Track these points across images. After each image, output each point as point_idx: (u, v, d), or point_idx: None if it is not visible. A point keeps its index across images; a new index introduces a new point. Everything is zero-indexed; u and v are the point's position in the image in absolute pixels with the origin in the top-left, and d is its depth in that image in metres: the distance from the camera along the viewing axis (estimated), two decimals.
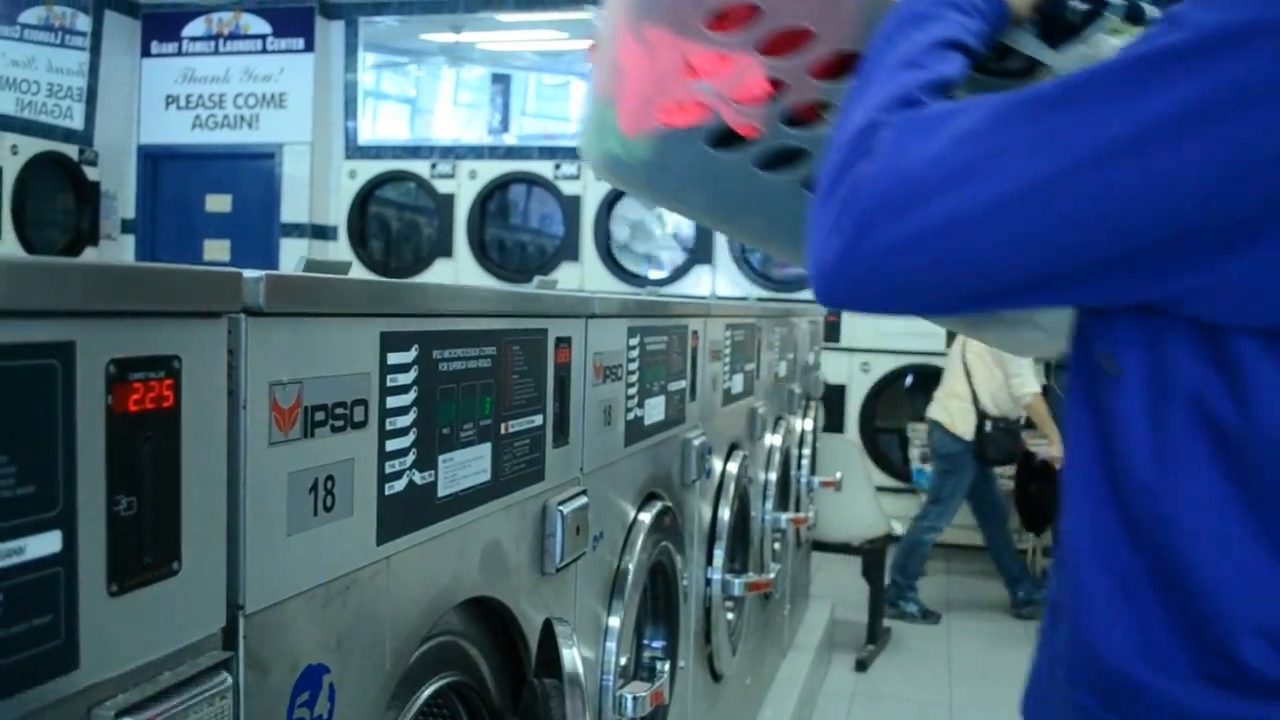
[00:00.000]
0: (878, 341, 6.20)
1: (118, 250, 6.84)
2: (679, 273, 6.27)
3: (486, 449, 1.09)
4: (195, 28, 6.98)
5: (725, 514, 2.22)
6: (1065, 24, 0.93)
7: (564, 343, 1.29)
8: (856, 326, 6.17)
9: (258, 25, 6.83)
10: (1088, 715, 0.75)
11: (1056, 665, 0.79)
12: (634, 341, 1.57)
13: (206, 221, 6.80)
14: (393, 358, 0.90)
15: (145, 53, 7.06)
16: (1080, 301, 0.76)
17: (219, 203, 6.78)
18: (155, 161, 6.95)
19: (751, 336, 2.51)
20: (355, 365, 0.85)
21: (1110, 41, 0.92)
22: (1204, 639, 0.70)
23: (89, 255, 6.51)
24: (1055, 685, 0.79)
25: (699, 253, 6.27)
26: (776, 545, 2.92)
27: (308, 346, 0.79)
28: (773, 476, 2.83)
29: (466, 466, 1.04)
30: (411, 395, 0.93)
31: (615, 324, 1.50)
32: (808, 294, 6.53)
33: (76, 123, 6.64)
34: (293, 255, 6.44)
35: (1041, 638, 0.84)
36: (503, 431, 1.12)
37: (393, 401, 0.90)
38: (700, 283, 6.27)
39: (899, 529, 4.34)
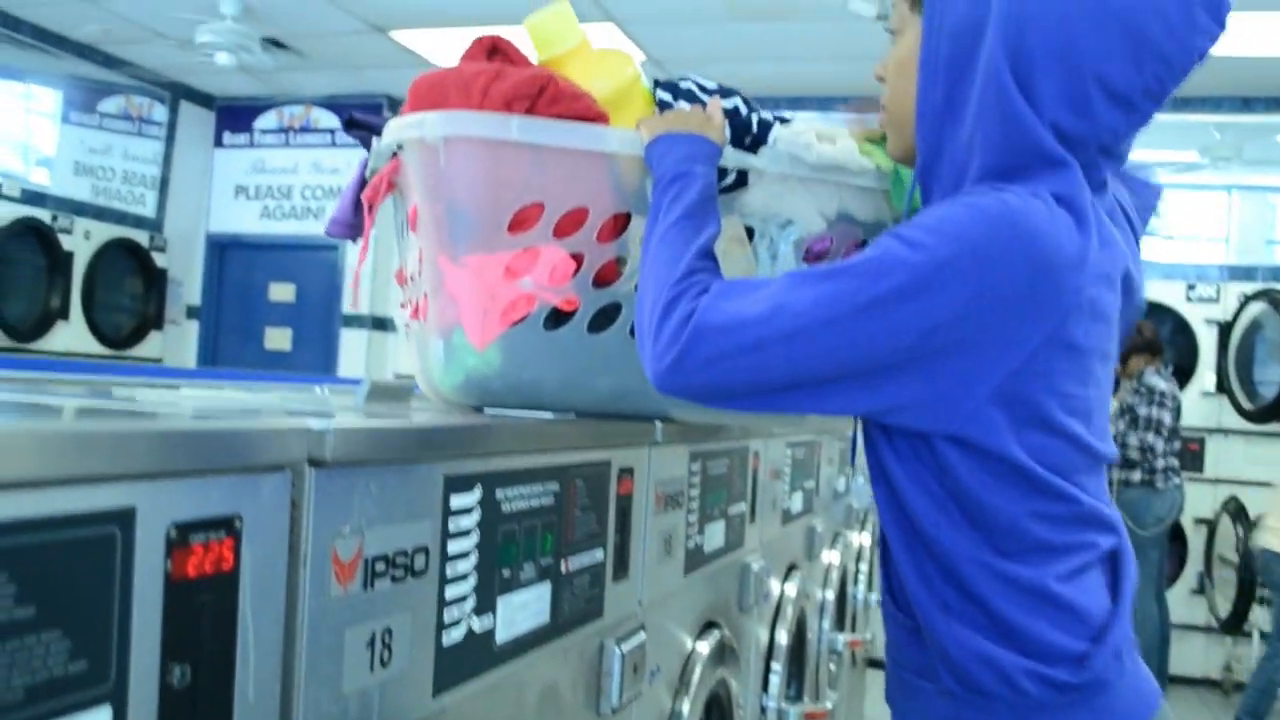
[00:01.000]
0: None
1: (181, 335, 6.94)
2: None
3: (546, 589, 1.05)
4: (267, 120, 7.15)
5: (783, 638, 2.16)
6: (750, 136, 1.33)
7: (627, 473, 1.26)
8: None
9: (327, 120, 6.98)
10: (953, 696, 1.07)
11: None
12: (695, 467, 1.54)
13: (270, 310, 6.89)
14: (455, 500, 0.87)
15: (218, 143, 7.24)
16: (827, 409, 1.03)
17: (283, 292, 6.87)
18: (222, 250, 7.08)
19: (812, 454, 2.47)
20: (418, 511, 0.82)
21: (784, 133, 1.33)
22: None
23: (153, 339, 6.61)
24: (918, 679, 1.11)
25: None
26: (833, 667, 2.83)
27: (372, 494, 0.76)
28: (830, 595, 2.75)
29: (526, 608, 1.01)
30: (473, 539, 0.90)
31: (677, 450, 1.46)
32: None
33: (148, 210, 6.79)
34: (353, 346, 6.50)
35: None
36: (563, 570, 1.09)
37: (454, 547, 0.87)
38: None
39: None
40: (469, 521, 0.90)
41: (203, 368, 6.69)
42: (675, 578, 1.48)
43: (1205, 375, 5.82)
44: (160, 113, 6.96)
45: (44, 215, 5.99)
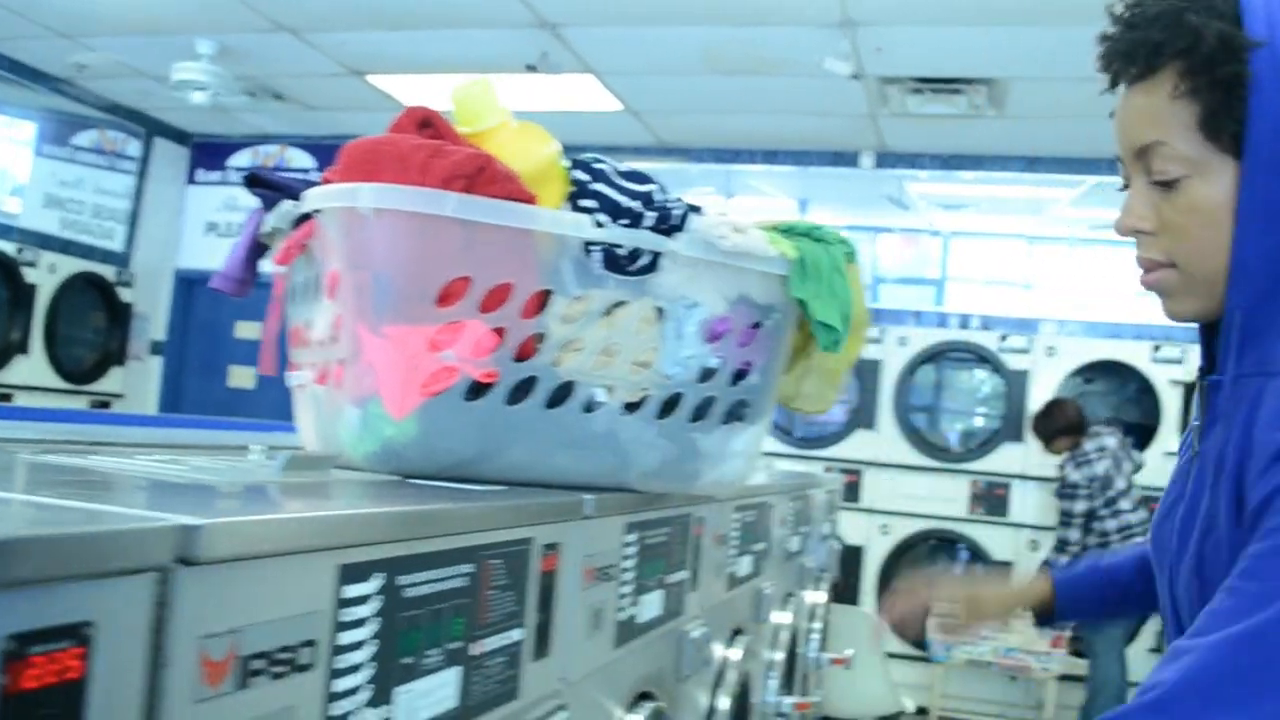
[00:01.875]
0: (897, 504, 6.10)
1: (144, 371, 6.88)
2: None
3: (454, 674, 1.02)
4: (241, 158, 7.14)
5: (723, 703, 2.13)
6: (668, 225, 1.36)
7: (551, 549, 1.24)
8: (878, 485, 6.08)
9: (301, 159, 6.98)
10: None
11: None
12: (631, 538, 1.51)
13: (235, 348, 6.85)
14: (350, 590, 0.85)
15: (191, 180, 7.22)
16: None
17: (249, 330, 6.83)
18: (190, 286, 7.04)
19: (762, 517, 2.45)
20: (305, 604, 0.80)
21: (700, 222, 1.37)
22: None
23: (115, 374, 6.55)
24: None
25: None
26: None
27: (253, 589, 0.74)
28: (779, 656, 2.73)
29: (429, 696, 0.98)
30: (370, 629, 0.87)
31: (610, 522, 1.44)
32: (832, 450, 6.46)
33: (116, 244, 6.76)
34: None
35: None
36: (474, 653, 1.06)
37: (347, 638, 0.85)
38: None
39: (910, 705, 4.18)
40: (365, 611, 0.87)
41: (164, 412, 6.63)
42: (605, 651, 1.45)
43: (1169, 437, 5.84)
44: (134, 148, 6.94)
45: (9, 248, 5.95)
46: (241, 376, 6.80)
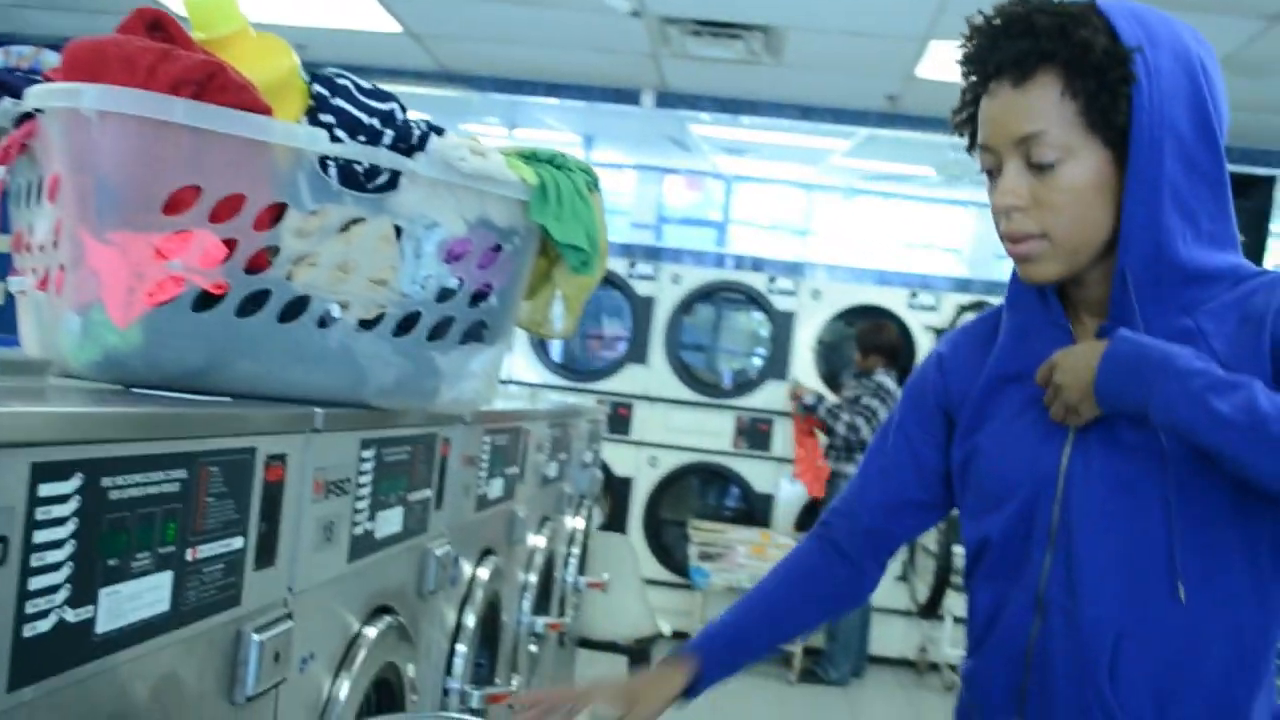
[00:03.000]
0: (666, 437, 6.27)
1: None
2: None
3: (166, 578, 1.03)
4: None
5: (470, 620, 2.18)
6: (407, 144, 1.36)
7: (276, 460, 1.25)
8: (648, 419, 6.24)
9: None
10: None
11: None
12: (368, 454, 1.54)
13: None
14: (45, 489, 0.85)
15: None
16: None
17: None
18: None
19: (516, 440, 2.50)
20: None
21: (440, 143, 1.37)
22: None
23: None
24: None
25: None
26: (534, 648, 2.89)
27: None
28: (533, 579, 2.80)
29: (138, 599, 0.99)
30: (69, 529, 0.88)
31: (345, 437, 1.46)
32: (605, 383, 6.56)
33: None
34: None
35: None
36: (189, 558, 1.07)
37: (42, 536, 0.85)
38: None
39: (667, 629, 4.36)
40: (63, 510, 0.87)
41: None
42: (338, 564, 1.48)
43: None
44: None
45: None
46: None
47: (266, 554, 1.25)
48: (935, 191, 8.05)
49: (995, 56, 1.25)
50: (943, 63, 5.42)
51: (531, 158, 1.54)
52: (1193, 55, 1.23)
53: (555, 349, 6.51)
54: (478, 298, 1.54)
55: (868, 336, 5.84)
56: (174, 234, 1.22)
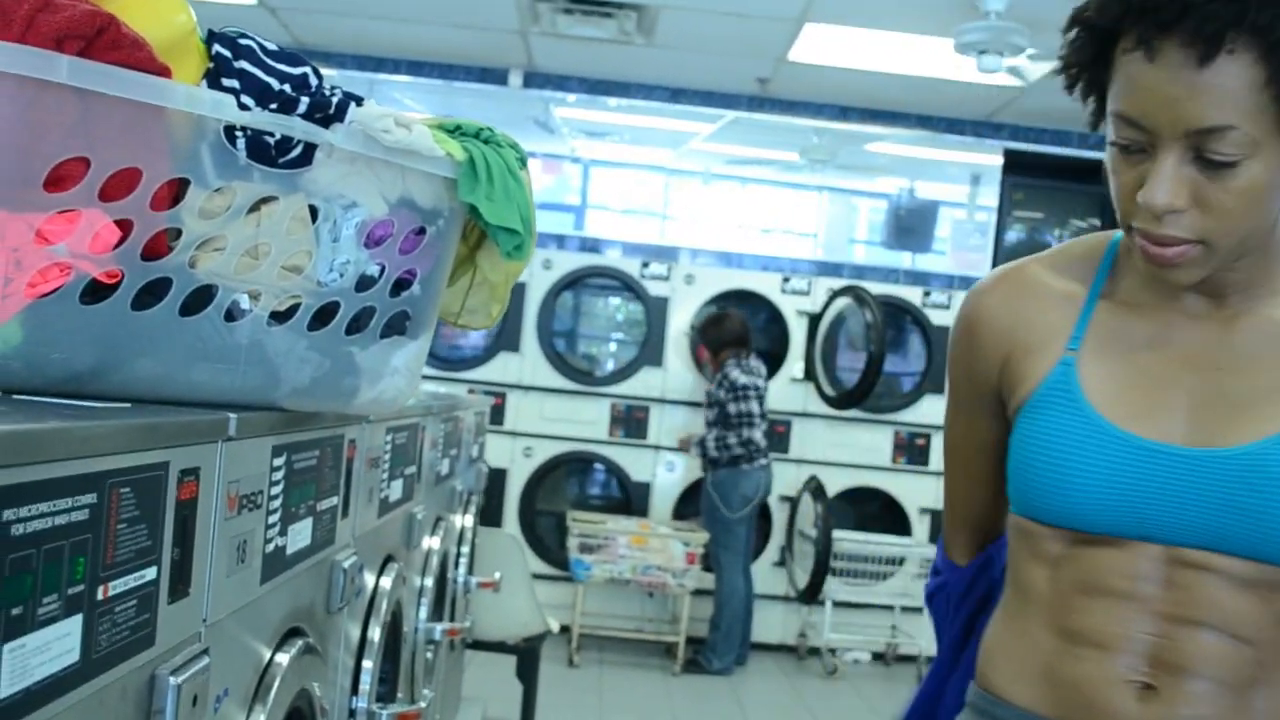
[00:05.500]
0: (541, 427, 6.14)
1: None
2: None
3: (76, 623, 0.87)
4: None
5: (375, 634, 2.03)
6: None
7: (190, 475, 1.09)
8: (521, 408, 6.10)
9: None
10: None
11: None
12: (279, 461, 1.38)
13: None
14: None
15: None
16: None
17: None
18: None
19: (414, 438, 2.34)
20: None
21: (362, 114, 1.22)
22: None
23: None
24: None
25: None
26: (430, 656, 2.73)
27: None
28: (429, 583, 2.65)
29: (45, 651, 0.83)
30: None
31: (257, 444, 1.30)
32: (476, 372, 6.39)
33: None
34: None
35: None
36: (100, 596, 0.91)
37: None
38: None
39: (555, 626, 4.24)
40: None
41: None
42: (251, 587, 1.32)
43: (795, 363, 6.21)
44: None
45: None
46: None
47: (181, 583, 1.08)
48: (791, 176, 8.07)
49: (1173, 8, 0.97)
50: (816, 45, 5.40)
51: (456, 131, 1.40)
52: None
53: None
54: (399, 286, 1.39)
55: (712, 333, 5.77)
56: (58, 214, 1.04)
